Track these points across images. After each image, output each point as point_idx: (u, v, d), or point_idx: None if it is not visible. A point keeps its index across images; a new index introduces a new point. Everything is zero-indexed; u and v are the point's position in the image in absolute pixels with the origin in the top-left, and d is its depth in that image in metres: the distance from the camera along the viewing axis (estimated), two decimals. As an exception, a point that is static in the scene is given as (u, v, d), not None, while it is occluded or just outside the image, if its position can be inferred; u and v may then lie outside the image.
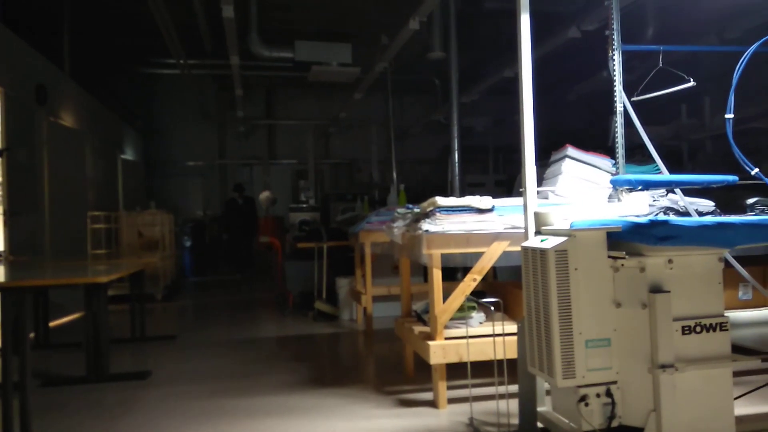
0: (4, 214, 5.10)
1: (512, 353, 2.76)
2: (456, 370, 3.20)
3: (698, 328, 2.04)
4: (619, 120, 3.12)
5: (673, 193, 3.13)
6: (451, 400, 3.13)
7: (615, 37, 3.13)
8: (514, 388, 2.63)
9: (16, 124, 5.36)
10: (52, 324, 5.21)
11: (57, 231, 6.22)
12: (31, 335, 4.79)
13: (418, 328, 3.36)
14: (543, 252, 2.11)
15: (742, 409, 2.38)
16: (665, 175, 3.00)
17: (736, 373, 2.14)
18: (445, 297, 3.06)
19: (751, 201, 3.32)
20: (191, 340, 5.18)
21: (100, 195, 8.08)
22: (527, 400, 2.54)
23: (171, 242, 8.36)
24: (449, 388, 3.18)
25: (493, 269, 4.49)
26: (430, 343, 3.01)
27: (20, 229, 5.31)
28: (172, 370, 4.12)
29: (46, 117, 6.16)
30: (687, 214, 3.04)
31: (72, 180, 6.99)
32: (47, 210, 6.04)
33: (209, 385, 3.70)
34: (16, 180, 5.29)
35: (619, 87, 3.12)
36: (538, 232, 2.41)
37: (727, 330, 2.07)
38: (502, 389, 3.01)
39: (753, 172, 2.63)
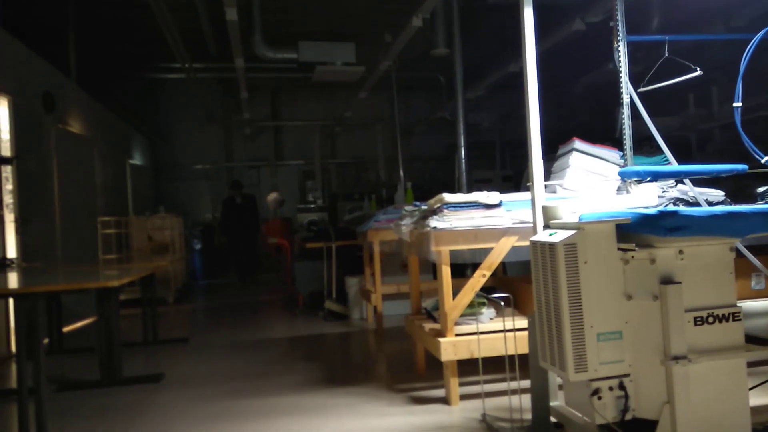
0: (16, 221, 5.15)
1: (523, 348, 2.75)
2: (467, 367, 3.20)
3: (711, 319, 2.03)
4: (626, 111, 3.10)
5: (683, 183, 3.11)
6: (464, 397, 3.13)
7: (620, 28, 3.11)
8: (526, 383, 2.62)
9: (24, 132, 5.40)
10: (65, 329, 5.25)
11: (68, 237, 6.27)
12: (45, 341, 4.83)
13: (429, 326, 3.36)
14: (552, 246, 2.10)
15: (757, 399, 2.36)
16: (674, 166, 2.98)
17: (751, 364, 2.12)
18: (455, 294, 3.06)
19: (761, 189, 3.29)
20: (203, 342, 5.20)
21: (109, 200, 8.13)
22: (540, 395, 2.53)
23: (181, 246, 8.41)
24: (461, 384, 3.18)
25: (503, 265, 4.47)
26: (441, 340, 3.01)
27: (32, 235, 5.36)
28: (184, 372, 4.14)
29: (54, 124, 6.21)
30: (697, 204, 3.02)
31: (81, 186, 7.05)
32: (58, 216, 6.09)
33: (222, 386, 3.72)
34: (26, 187, 5.33)
35: (625, 78, 3.10)
36: (546, 226, 2.40)
37: (740, 320, 2.05)
38: (514, 385, 3.01)
39: (763, 161, 2.61)
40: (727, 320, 2.04)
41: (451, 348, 2.99)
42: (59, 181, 6.17)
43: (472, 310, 3.20)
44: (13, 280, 3.53)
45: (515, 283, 3.79)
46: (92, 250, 6.88)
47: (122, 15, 7.69)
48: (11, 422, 3.24)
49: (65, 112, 6.68)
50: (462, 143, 6.15)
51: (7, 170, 5.19)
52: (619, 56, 3.11)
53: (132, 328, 5.61)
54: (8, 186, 5.19)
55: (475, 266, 3.11)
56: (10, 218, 5.16)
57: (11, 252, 5.12)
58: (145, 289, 5.25)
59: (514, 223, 3.05)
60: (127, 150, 9.74)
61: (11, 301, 4.53)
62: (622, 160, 3.19)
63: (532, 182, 2.51)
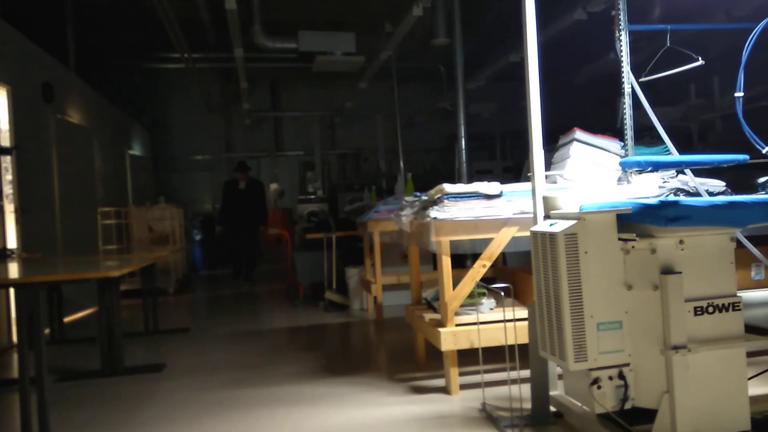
0: (16, 211, 5.15)
1: (523, 338, 2.76)
2: (467, 357, 3.21)
3: (711, 309, 2.03)
4: (628, 101, 3.09)
5: (683, 173, 3.10)
6: (463, 386, 3.14)
7: (622, 17, 3.09)
8: (526, 373, 2.63)
9: (24, 122, 5.39)
10: (66, 319, 5.27)
11: (68, 227, 6.27)
12: (46, 331, 4.85)
13: (429, 316, 3.37)
14: (552, 236, 2.10)
15: (755, 389, 2.37)
16: (675, 156, 2.97)
17: (750, 353, 2.13)
18: (455, 284, 3.06)
19: (762, 180, 3.28)
20: (204, 332, 5.22)
21: (109, 191, 8.13)
22: (539, 385, 2.54)
23: (181, 236, 8.41)
24: (461, 374, 3.19)
25: (503, 255, 4.48)
26: (441, 330, 3.01)
27: (32, 226, 5.36)
28: (185, 362, 4.16)
29: (54, 114, 6.19)
30: (697, 194, 3.02)
31: (81, 176, 7.04)
32: (58, 207, 6.09)
33: (223, 375, 3.73)
34: (26, 178, 5.33)
35: (626, 68, 3.08)
36: (547, 217, 2.40)
37: (740, 310, 2.05)
38: (514, 374, 3.02)
39: (764, 151, 2.61)
40: (727, 310, 2.04)
41: (451, 338, 3.00)
42: (59, 172, 6.16)
43: (472, 301, 3.21)
44: (13, 270, 3.53)
45: (515, 273, 3.80)
46: (92, 240, 6.88)
47: (120, 4, 7.65)
48: (13, 412, 3.26)
49: (64, 103, 6.66)
50: (462, 134, 6.13)
51: (7, 161, 5.19)
52: (621, 46, 3.09)
53: (133, 319, 5.62)
54: (8, 176, 5.18)
55: (476, 257, 3.11)
56: (10, 209, 5.16)
57: (11, 242, 5.12)
58: (146, 279, 5.26)
59: (514, 214, 3.04)
60: (127, 140, 9.72)
61: (12, 291, 4.53)
62: (623, 151, 3.18)
63: (533, 172, 2.51)
